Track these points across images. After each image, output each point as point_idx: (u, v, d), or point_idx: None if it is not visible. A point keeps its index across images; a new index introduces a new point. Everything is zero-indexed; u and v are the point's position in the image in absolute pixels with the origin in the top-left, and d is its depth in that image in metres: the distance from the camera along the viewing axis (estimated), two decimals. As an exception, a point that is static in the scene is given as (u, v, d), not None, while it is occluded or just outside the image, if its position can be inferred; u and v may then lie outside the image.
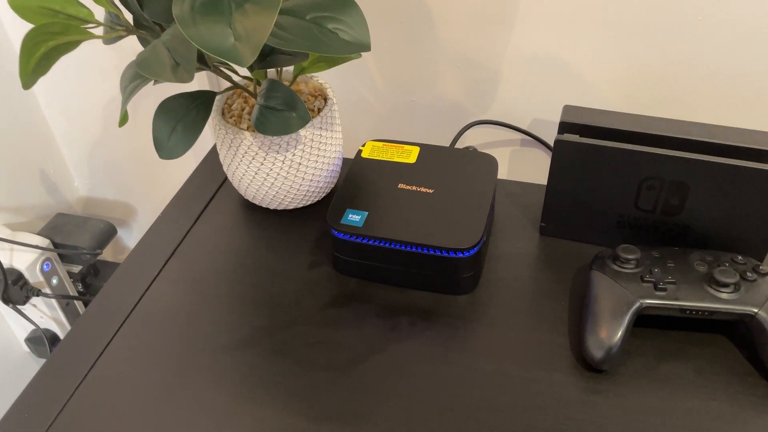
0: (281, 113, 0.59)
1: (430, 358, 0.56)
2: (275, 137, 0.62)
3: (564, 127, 0.61)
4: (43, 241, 0.92)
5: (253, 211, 0.71)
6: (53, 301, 0.93)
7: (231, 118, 0.66)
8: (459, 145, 0.78)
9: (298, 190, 0.67)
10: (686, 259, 0.57)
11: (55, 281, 0.93)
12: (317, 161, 0.66)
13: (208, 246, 0.67)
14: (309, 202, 0.70)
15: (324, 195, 0.71)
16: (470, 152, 0.68)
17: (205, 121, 0.59)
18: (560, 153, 0.60)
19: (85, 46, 0.89)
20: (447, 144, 0.75)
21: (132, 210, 1.08)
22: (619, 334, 0.53)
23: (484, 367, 0.55)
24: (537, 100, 0.76)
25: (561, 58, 0.72)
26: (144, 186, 1.05)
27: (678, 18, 0.66)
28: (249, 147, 0.63)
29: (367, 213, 0.61)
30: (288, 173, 0.65)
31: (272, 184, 0.65)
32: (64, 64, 0.92)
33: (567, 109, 0.62)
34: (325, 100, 0.68)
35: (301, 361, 0.56)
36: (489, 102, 0.77)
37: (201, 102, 0.59)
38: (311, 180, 0.66)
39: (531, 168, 0.81)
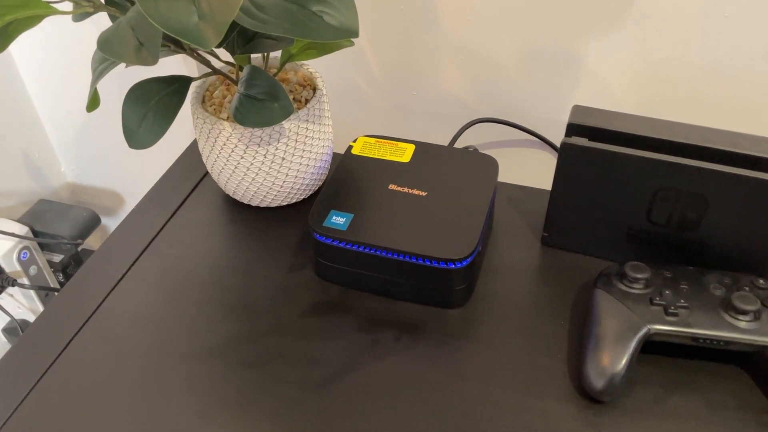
0: (262, 103, 0.54)
1: (411, 380, 0.51)
2: (256, 129, 0.57)
3: (572, 129, 0.56)
4: (22, 229, 0.88)
5: (234, 207, 0.66)
6: (31, 292, 0.89)
7: (211, 106, 0.61)
8: (459, 143, 0.72)
9: (282, 186, 0.62)
10: (701, 280, 0.52)
11: (33, 271, 0.89)
12: (303, 156, 0.60)
13: (182, 243, 0.62)
14: (294, 200, 0.65)
15: (311, 193, 0.66)
16: (469, 152, 0.62)
17: (178, 108, 0.54)
18: (566, 157, 0.55)
19: (76, 25, 0.85)
20: (447, 142, 0.70)
21: (120, 199, 1.03)
22: (623, 361, 0.48)
23: (471, 391, 0.50)
24: (546, 98, 0.70)
25: (573, 53, 0.66)
26: (133, 174, 1.00)
27: (703, 14, 0.60)
28: (228, 139, 0.58)
29: (352, 215, 0.56)
30: (270, 168, 0.60)
31: (253, 179, 0.60)
32: (52, 43, 0.88)
33: (576, 109, 0.57)
34: (314, 90, 0.62)
35: (269, 375, 0.51)
36: (494, 98, 0.72)
37: (175, 88, 0.54)
38: (296, 176, 0.61)
39: (536, 171, 0.75)
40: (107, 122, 0.94)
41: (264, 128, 0.57)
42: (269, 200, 0.63)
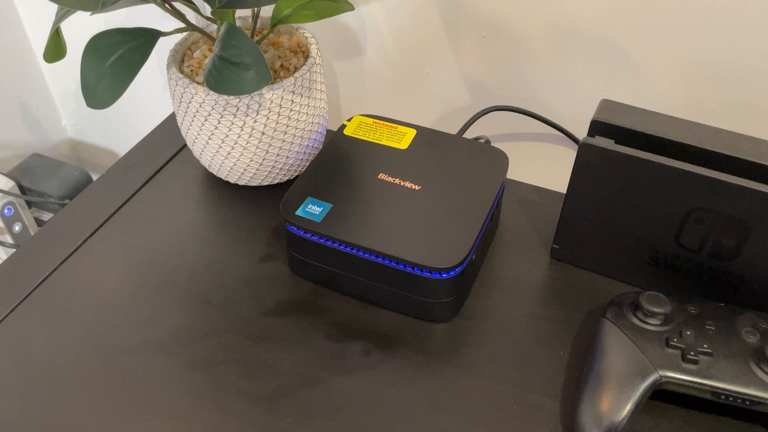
0: (236, 68, 0.47)
1: (375, 404, 0.43)
2: (232, 97, 0.50)
3: (596, 127, 0.47)
4: (7, 183, 0.83)
5: (211, 183, 0.59)
6: (13, 251, 0.84)
7: (188, 68, 0.54)
8: (471, 132, 0.64)
9: (261, 164, 0.55)
10: (733, 322, 0.43)
11: (17, 228, 0.84)
12: (286, 132, 0.53)
13: (148, 218, 0.56)
14: (277, 181, 0.58)
15: (296, 174, 0.59)
16: (477, 144, 0.54)
17: (140, 65, 0.47)
18: (586, 160, 0.46)
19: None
20: (458, 130, 0.62)
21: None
22: (626, 410, 0.40)
23: (443, 425, 0.42)
24: (575, 89, 0.61)
25: (613, 39, 0.57)
26: (138, 135, 0.95)
27: (766, 9, 0.50)
28: (201, 105, 0.51)
29: (331, 205, 0.48)
30: (248, 143, 0.53)
31: (229, 153, 0.54)
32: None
33: (605, 104, 0.48)
34: (306, 58, 0.55)
35: (215, 380, 0.45)
36: (516, 84, 0.63)
37: (140, 42, 0.48)
38: (278, 154, 0.54)
39: (557, 172, 0.66)
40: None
41: (241, 97, 0.50)
42: (248, 178, 0.56)
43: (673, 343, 0.41)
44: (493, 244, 0.54)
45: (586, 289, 0.51)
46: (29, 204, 0.87)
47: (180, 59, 0.55)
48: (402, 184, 0.50)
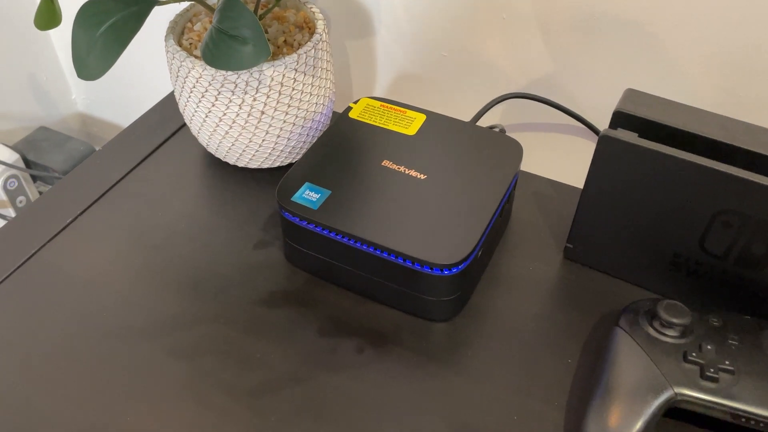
0: (233, 41, 0.44)
1: (365, 404, 0.41)
2: (230, 73, 0.47)
3: (619, 118, 0.43)
4: (12, 156, 0.81)
5: (209, 163, 0.57)
6: (17, 223, 0.83)
7: (188, 40, 0.52)
8: (486, 120, 0.61)
9: (261, 145, 0.52)
10: (758, 337, 0.39)
11: (21, 202, 0.83)
12: (287, 113, 0.50)
13: (142, 197, 0.54)
14: (277, 163, 0.55)
15: (299, 157, 0.56)
16: (489, 132, 0.51)
17: (133, 34, 0.44)
18: (605, 154, 0.43)
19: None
20: (471, 117, 0.58)
21: (128, 136, 0.96)
22: (636, 428, 0.37)
23: (435, 433, 0.40)
24: (600, 77, 0.57)
25: (640, 24, 0.53)
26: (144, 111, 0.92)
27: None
28: (198, 80, 0.48)
29: (329, 192, 0.46)
30: (247, 122, 0.50)
31: (227, 132, 0.51)
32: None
33: (629, 94, 0.44)
34: (312, 34, 0.52)
35: (198, 372, 0.42)
36: (536, 70, 0.59)
37: (133, 11, 0.45)
38: (278, 135, 0.51)
39: (575, 165, 0.63)
40: (126, 51, 0.85)
41: (239, 73, 0.47)
42: (247, 159, 0.53)
43: (691, 358, 0.38)
44: (502, 239, 0.51)
45: (599, 293, 0.47)
46: (34, 178, 0.85)
47: (180, 31, 0.52)
48: (407, 172, 0.47)
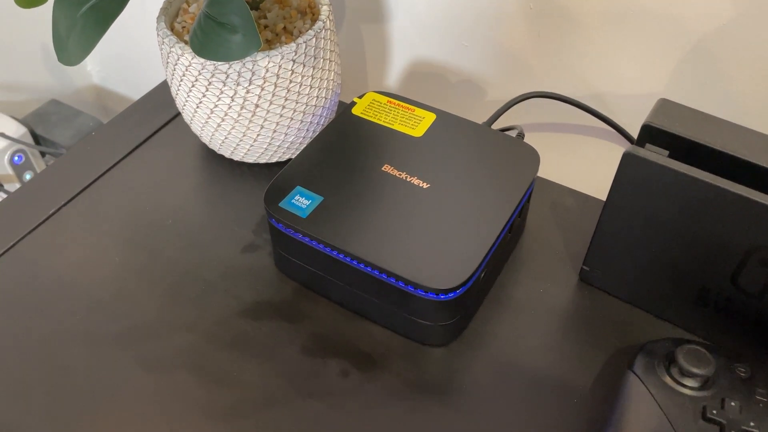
0: (222, 29, 0.40)
1: (344, 440, 0.37)
2: (221, 63, 0.43)
3: (648, 133, 0.38)
4: (19, 129, 0.79)
5: (205, 154, 0.53)
6: (24, 198, 0.81)
7: (180, 23, 0.48)
8: (505, 120, 0.56)
9: (256, 140, 0.48)
10: (792, 394, 0.35)
11: (28, 177, 0.81)
12: (284, 107, 0.46)
13: (129, 188, 0.50)
14: (275, 159, 0.51)
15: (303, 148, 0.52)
16: (503, 137, 0.46)
17: (114, 16, 0.40)
18: (629, 173, 0.38)
19: None
20: (489, 117, 0.53)
21: (141, 111, 0.93)
22: (642, 490, 0.32)
23: (418, 476, 0.36)
24: (634, 79, 0.52)
25: (683, 22, 0.47)
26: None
27: None
28: (187, 69, 0.44)
29: (321, 198, 0.42)
30: (240, 115, 0.46)
31: (219, 125, 0.47)
32: None
33: (662, 105, 0.39)
34: (315, 21, 0.47)
35: (166, 387, 0.39)
36: (564, 68, 0.54)
37: (116, -9, 0.41)
38: (275, 130, 0.47)
39: (602, 174, 0.57)
40: (143, 22, 0.82)
41: (232, 64, 0.43)
42: (242, 154, 0.50)
43: (711, 416, 0.33)
44: (512, 254, 0.46)
45: (616, 323, 0.43)
46: (42, 152, 0.83)
47: (174, 12, 0.48)
48: (408, 179, 0.43)
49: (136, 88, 0.91)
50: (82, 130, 0.82)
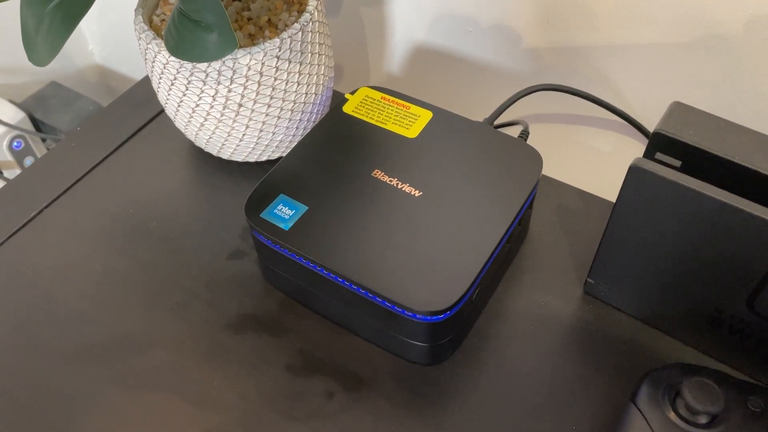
0: (196, 27, 0.37)
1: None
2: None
3: (658, 141, 0.35)
4: (17, 114, 0.77)
5: (193, 152, 0.51)
6: (25, 184, 0.80)
7: (159, 16, 0.45)
8: (511, 114, 0.52)
9: (241, 140, 0.45)
10: (810, 434, 0.32)
11: (29, 163, 0.79)
12: (270, 105, 0.43)
13: (111, 192, 0.48)
14: (264, 158, 0.48)
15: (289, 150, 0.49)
16: (504, 138, 0.43)
17: (83, 13, 0.38)
18: (636, 186, 0.34)
19: None
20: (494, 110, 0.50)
21: (144, 93, 0.91)
22: None
23: None
24: (653, 71, 0.48)
25: (706, 8, 0.43)
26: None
27: None
28: (165, 66, 0.42)
29: (305, 208, 0.39)
30: (223, 115, 0.43)
31: (202, 124, 0.44)
32: None
33: (676, 109, 0.36)
34: (301, 13, 0.44)
35: (139, 407, 0.37)
36: (580, 58, 0.50)
37: (84, -14, 0.38)
38: (261, 130, 0.45)
39: (614, 174, 0.54)
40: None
41: (212, 62, 0.40)
42: (228, 153, 0.47)
43: (718, 459, 0.30)
44: (513, 262, 0.44)
45: (621, 342, 0.40)
46: (43, 138, 0.81)
47: (154, 4, 0.46)
48: (399, 187, 0.40)
49: (140, 68, 0.89)
50: (81, 114, 0.80)
